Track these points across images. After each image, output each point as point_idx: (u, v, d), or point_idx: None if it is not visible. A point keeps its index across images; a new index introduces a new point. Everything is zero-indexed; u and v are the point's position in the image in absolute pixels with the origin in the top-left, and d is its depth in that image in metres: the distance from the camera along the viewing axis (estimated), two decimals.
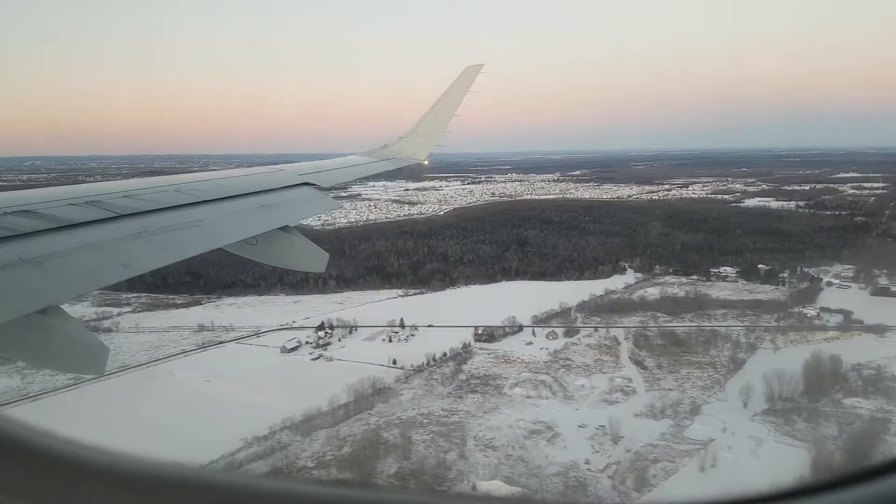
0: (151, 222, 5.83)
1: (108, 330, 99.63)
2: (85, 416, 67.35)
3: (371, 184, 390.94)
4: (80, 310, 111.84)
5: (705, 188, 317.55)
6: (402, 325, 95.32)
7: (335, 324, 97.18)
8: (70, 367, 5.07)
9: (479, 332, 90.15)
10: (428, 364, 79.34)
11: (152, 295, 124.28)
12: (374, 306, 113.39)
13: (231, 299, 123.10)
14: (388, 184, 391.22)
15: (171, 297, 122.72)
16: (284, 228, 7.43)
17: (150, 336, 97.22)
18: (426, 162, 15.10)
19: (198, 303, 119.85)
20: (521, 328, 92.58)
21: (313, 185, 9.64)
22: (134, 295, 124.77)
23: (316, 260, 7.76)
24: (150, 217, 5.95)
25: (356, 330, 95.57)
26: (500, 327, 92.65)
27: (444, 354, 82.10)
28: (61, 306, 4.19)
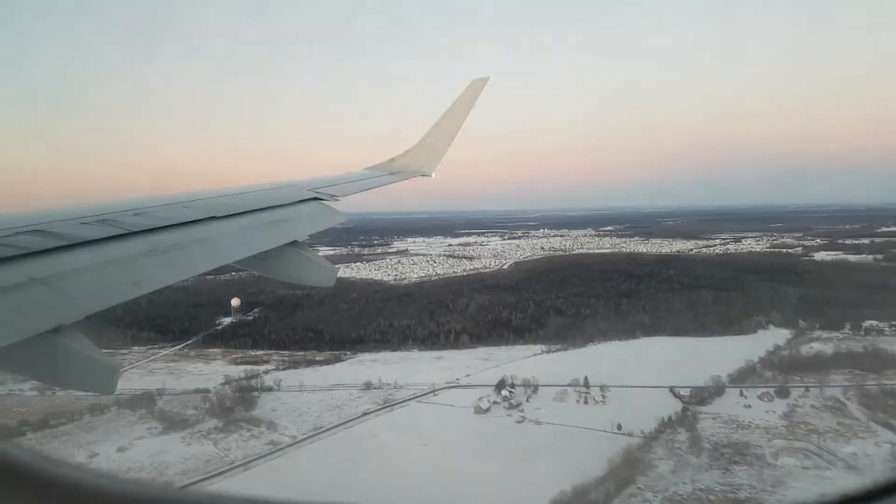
0: (161, 239, 5.76)
1: (270, 389, 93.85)
2: (324, 485, 60.72)
3: (411, 239, 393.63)
4: (225, 369, 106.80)
5: (759, 243, 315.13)
6: (587, 385, 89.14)
7: (512, 382, 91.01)
8: (83, 386, 4.44)
9: (680, 393, 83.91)
10: (658, 430, 72.78)
11: (283, 352, 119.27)
12: (523, 363, 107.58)
13: (366, 355, 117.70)
14: (427, 240, 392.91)
15: (307, 353, 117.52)
16: (294, 244, 7.30)
17: (319, 395, 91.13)
18: (433, 175, 14.56)
19: (338, 359, 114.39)
20: (723, 389, 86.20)
21: (322, 199, 9.51)
22: (263, 352, 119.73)
23: (325, 275, 7.53)
24: (159, 234, 5.87)
25: (538, 389, 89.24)
26: (699, 388, 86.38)
27: (668, 419, 75.67)
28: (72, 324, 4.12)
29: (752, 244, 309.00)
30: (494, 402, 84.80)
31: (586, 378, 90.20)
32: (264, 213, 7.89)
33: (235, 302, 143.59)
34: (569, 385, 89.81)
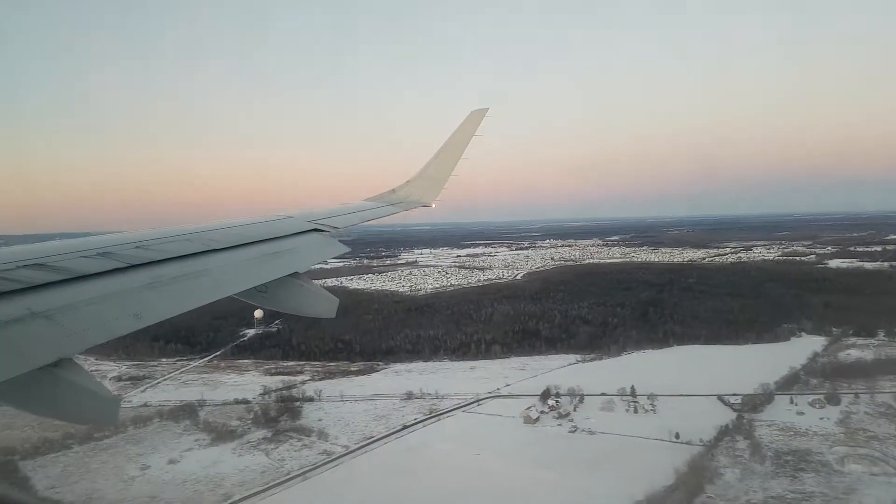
0: (162, 272, 5.75)
1: (311, 399, 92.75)
2: (387, 495, 59.60)
3: (419, 251, 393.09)
4: (261, 380, 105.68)
5: (770, 251, 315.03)
6: (634, 394, 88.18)
7: (557, 392, 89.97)
8: (83, 418, 4.52)
9: (730, 401, 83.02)
10: (717, 438, 71.78)
11: (314, 362, 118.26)
12: (560, 373, 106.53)
13: (399, 365, 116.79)
14: (434, 251, 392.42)
15: (339, 364, 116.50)
16: (295, 275, 7.25)
17: (362, 405, 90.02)
18: (433, 205, 14.59)
19: (372, 370, 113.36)
20: (772, 397, 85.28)
21: (322, 230, 9.51)
22: (294, 363, 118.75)
23: (326, 306, 7.47)
24: (160, 267, 5.86)
25: (583, 399, 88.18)
26: (747, 396, 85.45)
27: (724, 427, 74.68)
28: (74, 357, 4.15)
29: (764, 252, 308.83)
30: (542, 412, 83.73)
31: (633, 387, 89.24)
32: (264, 244, 7.89)
33: (259, 314, 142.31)
34: (615, 394, 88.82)
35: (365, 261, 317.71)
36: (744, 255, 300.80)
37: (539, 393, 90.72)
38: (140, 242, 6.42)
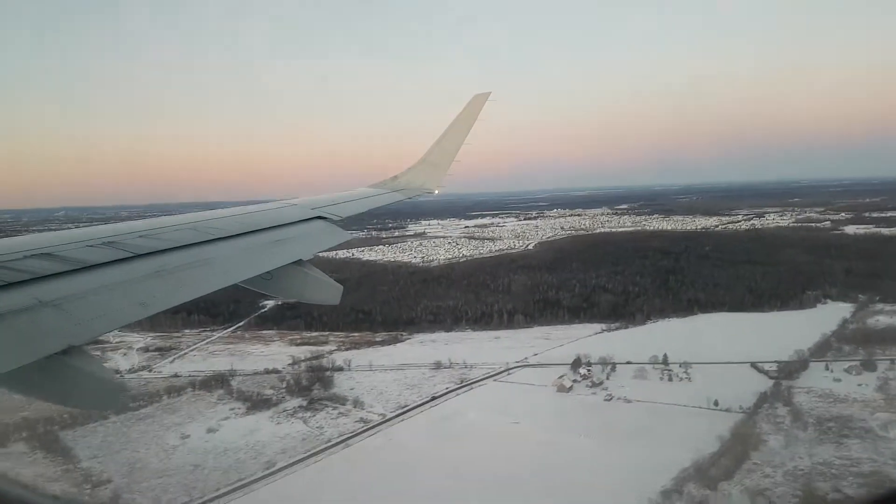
0: (168, 261, 5.81)
1: (341, 369, 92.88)
2: (433, 462, 59.67)
3: (426, 222, 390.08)
4: (287, 350, 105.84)
5: (783, 217, 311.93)
6: (666, 362, 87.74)
7: (589, 361, 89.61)
8: (92, 404, 4.94)
9: (765, 368, 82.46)
10: (756, 405, 71.45)
11: (337, 333, 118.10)
12: (586, 342, 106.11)
13: (422, 335, 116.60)
14: (441, 222, 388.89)
15: (363, 334, 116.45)
16: (299, 262, 7.22)
17: (391, 374, 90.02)
18: (437, 192, 14.69)
19: (396, 340, 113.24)
20: (806, 363, 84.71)
21: (326, 218, 9.52)
22: (317, 333, 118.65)
23: (330, 293, 7.45)
24: (166, 256, 5.93)
25: (615, 367, 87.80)
26: (780, 363, 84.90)
27: (762, 394, 74.34)
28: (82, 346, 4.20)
29: (777, 219, 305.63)
30: (575, 381, 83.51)
31: (665, 355, 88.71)
32: (269, 232, 7.94)
33: None
34: (647, 363, 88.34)
35: (373, 232, 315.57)
36: (757, 222, 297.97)
37: (568, 362, 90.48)
38: (144, 232, 6.44)
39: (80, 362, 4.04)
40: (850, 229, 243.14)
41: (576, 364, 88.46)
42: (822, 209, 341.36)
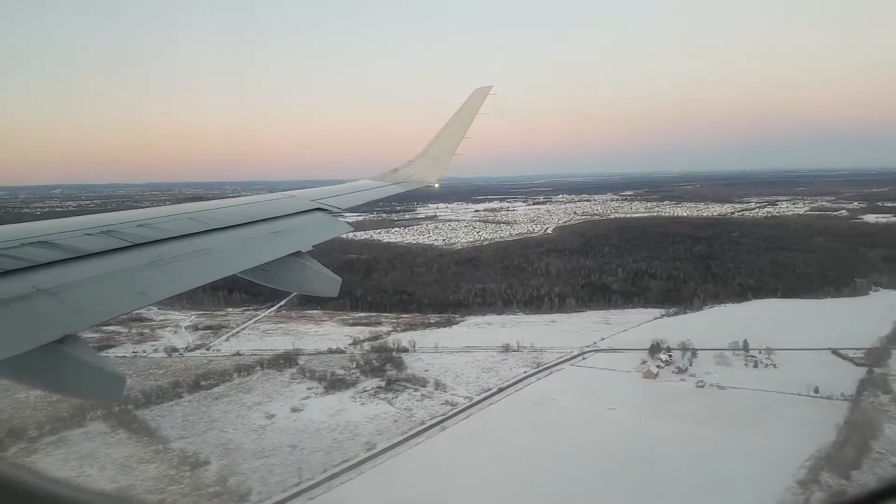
0: (166, 251, 5.76)
1: (406, 350, 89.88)
2: (545, 448, 57.23)
3: (433, 205, 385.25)
4: (342, 330, 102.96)
5: (796, 206, 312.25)
6: (746, 348, 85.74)
7: (669, 346, 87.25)
8: (89, 394, 4.71)
9: (849, 355, 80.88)
10: (858, 393, 69.70)
11: (387, 314, 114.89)
12: (648, 326, 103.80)
13: (475, 318, 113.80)
14: (449, 205, 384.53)
15: (414, 315, 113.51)
16: (297, 254, 7.18)
17: (460, 357, 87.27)
18: (437, 185, 14.65)
19: (451, 322, 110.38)
20: (889, 351, 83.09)
21: (325, 209, 9.42)
22: (365, 314, 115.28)
23: (328, 285, 7.39)
24: (164, 245, 5.88)
25: (696, 353, 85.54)
26: (862, 350, 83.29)
27: (861, 381, 72.68)
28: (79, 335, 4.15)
29: (791, 207, 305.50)
30: (658, 367, 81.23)
31: (745, 341, 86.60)
32: (267, 223, 7.82)
33: None
34: (726, 349, 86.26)
35: (383, 215, 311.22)
36: (772, 210, 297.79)
37: (639, 347, 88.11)
38: (143, 221, 6.32)
39: (77, 351, 3.94)
40: (870, 218, 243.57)
41: (654, 349, 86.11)
42: (833, 198, 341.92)
